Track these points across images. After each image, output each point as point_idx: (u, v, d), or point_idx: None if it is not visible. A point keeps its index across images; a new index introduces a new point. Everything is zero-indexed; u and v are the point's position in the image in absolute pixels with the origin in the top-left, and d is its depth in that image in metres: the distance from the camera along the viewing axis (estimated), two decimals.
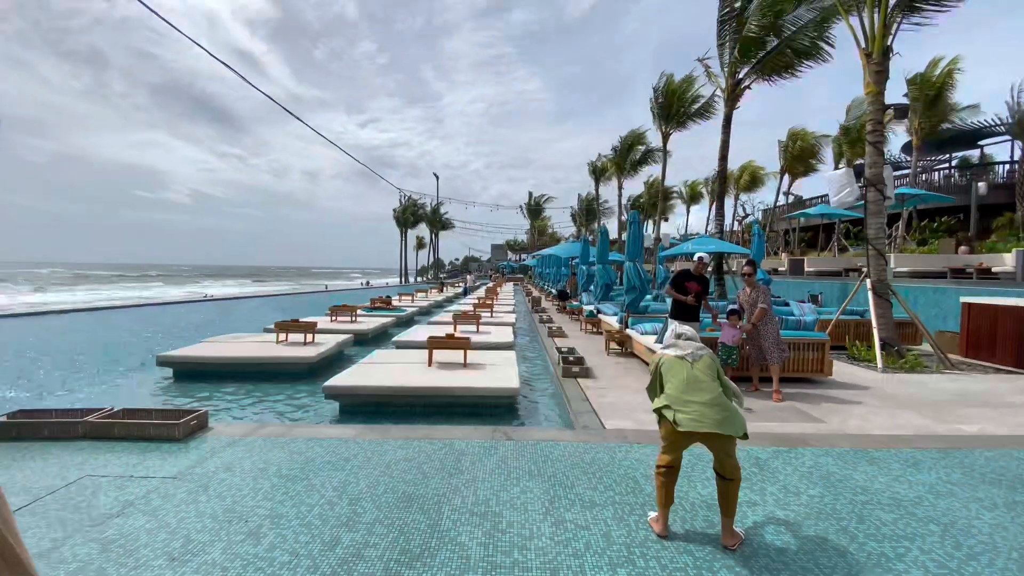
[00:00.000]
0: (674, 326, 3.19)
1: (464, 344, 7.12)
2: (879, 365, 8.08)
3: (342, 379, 6.10)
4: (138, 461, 3.87)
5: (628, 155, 31.28)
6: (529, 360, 9.42)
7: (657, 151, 30.29)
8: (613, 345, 9.12)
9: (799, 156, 32.18)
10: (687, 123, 22.66)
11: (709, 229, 42.54)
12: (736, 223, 40.24)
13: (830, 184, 9.55)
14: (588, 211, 49.00)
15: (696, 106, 21.79)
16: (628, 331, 8.83)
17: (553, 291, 23.61)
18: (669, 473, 2.87)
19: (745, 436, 2.70)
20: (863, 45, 9.32)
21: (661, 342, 7.04)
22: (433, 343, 7.10)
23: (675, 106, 21.36)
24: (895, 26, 9.08)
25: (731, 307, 6.66)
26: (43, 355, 9.38)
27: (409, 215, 53.33)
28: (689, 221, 51.30)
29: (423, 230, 58.43)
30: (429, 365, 7.02)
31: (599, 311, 11.94)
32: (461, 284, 38.52)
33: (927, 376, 7.63)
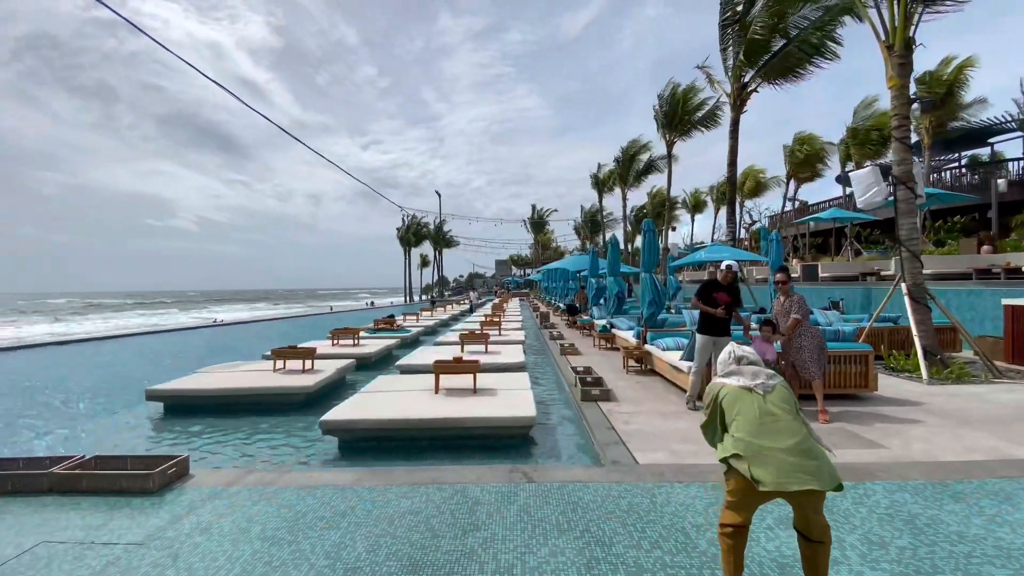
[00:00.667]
0: (731, 348, 2.64)
1: (473, 368, 6.58)
2: (924, 376, 7.47)
3: (341, 412, 5.56)
4: (104, 521, 3.34)
5: (631, 165, 30.92)
6: (542, 381, 8.85)
7: (661, 160, 29.98)
8: (631, 362, 8.55)
9: (805, 161, 31.73)
10: (691, 131, 22.33)
11: (717, 236, 41.98)
12: (743, 230, 39.69)
13: (856, 184, 9.02)
14: (592, 223, 48.64)
15: (700, 114, 21.48)
16: (647, 347, 8.26)
17: (561, 306, 23.07)
18: (738, 535, 2.30)
19: (840, 487, 2.14)
20: (883, 38, 8.89)
21: (690, 359, 6.48)
22: (440, 368, 6.57)
23: (679, 114, 21.03)
24: (916, 16, 8.65)
25: (765, 317, 6.11)
26: (37, 389, 8.90)
27: (412, 234, 53.14)
28: (694, 230, 50.68)
29: (427, 248, 58.27)
30: (436, 392, 6.48)
31: (612, 326, 11.38)
32: (466, 301, 37.18)
33: (978, 387, 7.02)
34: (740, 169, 42.18)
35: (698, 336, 5.89)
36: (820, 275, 22.32)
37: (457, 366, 6.61)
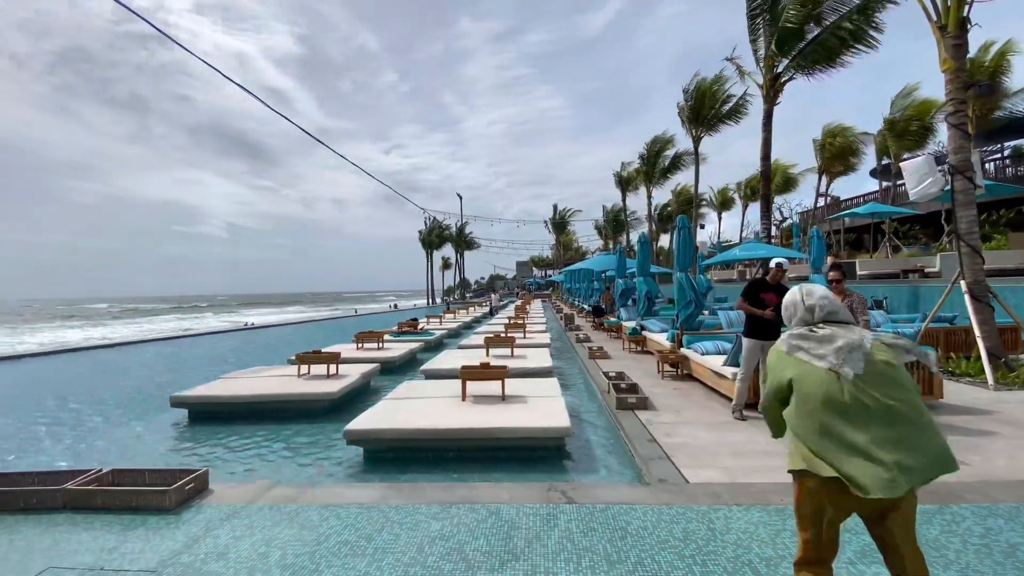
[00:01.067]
0: (797, 295, 2.04)
1: (501, 374, 6.26)
2: (989, 381, 6.86)
3: (365, 421, 5.31)
4: (117, 543, 3.13)
5: (656, 162, 30.20)
6: (571, 387, 8.48)
7: (687, 156, 29.24)
8: (667, 367, 8.11)
9: (839, 154, 30.54)
10: (718, 125, 21.66)
11: (746, 234, 40.81)
12: (774, 227, 38.53)
13: (908, 175, 8.42)
14: (615, 223, 47.91)
15: (727, 107, 20.80)
16: (684, 351, 7.83)
17: (586, 307, 22.61)
18: (822, 571, 1.92)
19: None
20: (935, 18, 8.28)
21: (735, 364, 6.04)
22: (467, 374, 6.28)
23: (706, 108, 20.38)
24: None
25: None
26: (69, 395, 8.94)
27: (435, 237, 53.25)
28: (721, 228, 49.51)
29: (449, 251, 58.34)
30: (463, 399, 6.18)
31: (643, 328, 10.94)
32: (487, 304, 34.95)
33: None
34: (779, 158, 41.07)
35: (744, 340, 5.46)
36: (858, 273, 21.36)
37: (484, 372, 6.31)
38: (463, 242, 54.97)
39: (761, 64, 14.99)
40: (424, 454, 5.21)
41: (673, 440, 4.87)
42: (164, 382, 9.94)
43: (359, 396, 8.22)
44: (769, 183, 15.13)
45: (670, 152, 30.15)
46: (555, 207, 56.98)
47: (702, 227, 39.67)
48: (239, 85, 10.89)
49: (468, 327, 21.11)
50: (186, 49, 9.75)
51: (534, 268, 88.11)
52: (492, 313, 28.13)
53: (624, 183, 37.88)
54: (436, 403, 6.07)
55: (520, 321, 15.36)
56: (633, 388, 6.70)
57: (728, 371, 6.10)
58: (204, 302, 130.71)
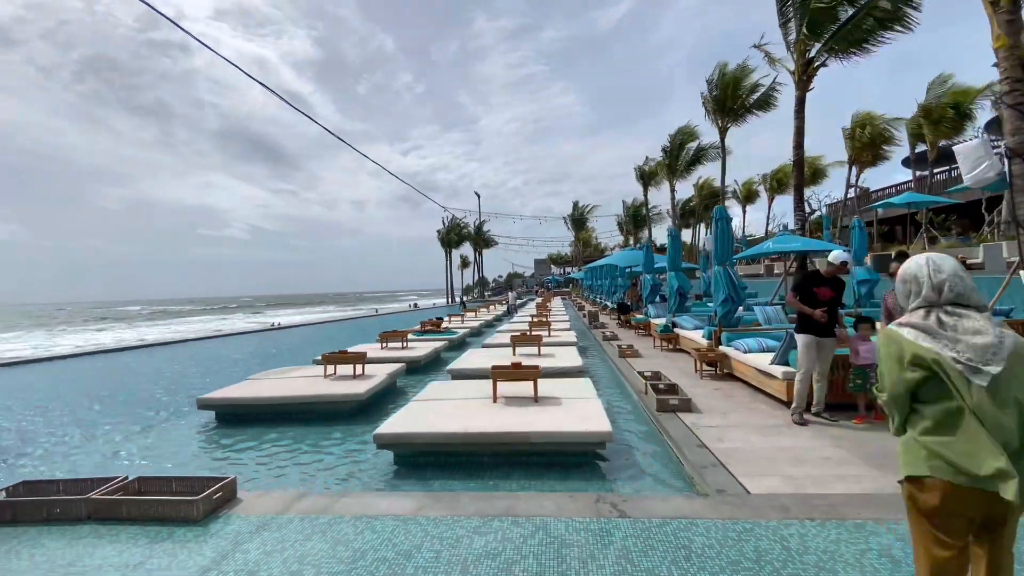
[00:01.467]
0: (924, 266, 1.71)
1: (533, 374, 5.99)
2: None
3: (395, 424, 5.09)
4: (142, 558, 2.95)
5: (679, 155, 29.50)
6: (603, 387, 8.16)
7: (711, 148, 28.50)
8: (705, 366, 7.73)
9: (869, 143, 29.43)
10: (745, 115, 20.99)
11: (772, 228, 39.75)
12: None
13: (962, 159, 7.83)
14: (635, 218, 47.18)
15: (755, 96, 20.14)
16: (724, 349, 7.45)
17: (609, 304, 22.19)
18: None
19: None
20: None
21: (785, 363, 5.67)
22: (498, 374, 6.02)
23: (731, 98, 19.76)
24: None
25: (859, 313, 5.25)
26: (96, 397, 8.97)
27: (453, 235, 53.22)
28: (746, 221, 48.38)
29: (467, 249, 58.29)
30: (494, 400, 5.93)
31: (675, 325, 10.55)
32: (504, 303, 32.70)
33: None
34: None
35: (799, 336, 5.07)
36: (868, 266, 20.54)
37: (516, 372, 6.04)
38: (481, 240, 54.83)
39: (792, 49, 14.40)
40: (456, 458, 4.97)
41: (724, 445, 4.54)
42: (193, 383, 9.93)
43: (386, 396, 8.05)
44: (802, 173, 14.52)
45: (693, 144, 29.40)
46: (575, 204, 56.41)
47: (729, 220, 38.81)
48: (264, 86, 10.82)
49: (489, 325, 20.89)
50: (209, 47, 9.68)
51: (552, 266, 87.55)
52: (510, 312, 27.66)
53: (646, 178, 37.20)
54: (466, 404, 5.83)
55: (544, 319, 15.06)
56: (673, 388, 6.36)
57: (777, 370, 5.72)
58: (232, 303, 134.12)
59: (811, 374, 4.99)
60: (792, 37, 14.08)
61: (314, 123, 12.54)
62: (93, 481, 3.82)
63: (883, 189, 37.47)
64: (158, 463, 5.42)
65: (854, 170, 32.92)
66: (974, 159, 7.80)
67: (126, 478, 3.84)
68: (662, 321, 11.83)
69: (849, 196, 33.12)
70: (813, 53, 14.00)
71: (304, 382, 7.73)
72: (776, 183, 42.71)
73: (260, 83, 10.71)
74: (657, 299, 14.07)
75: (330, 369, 8.25)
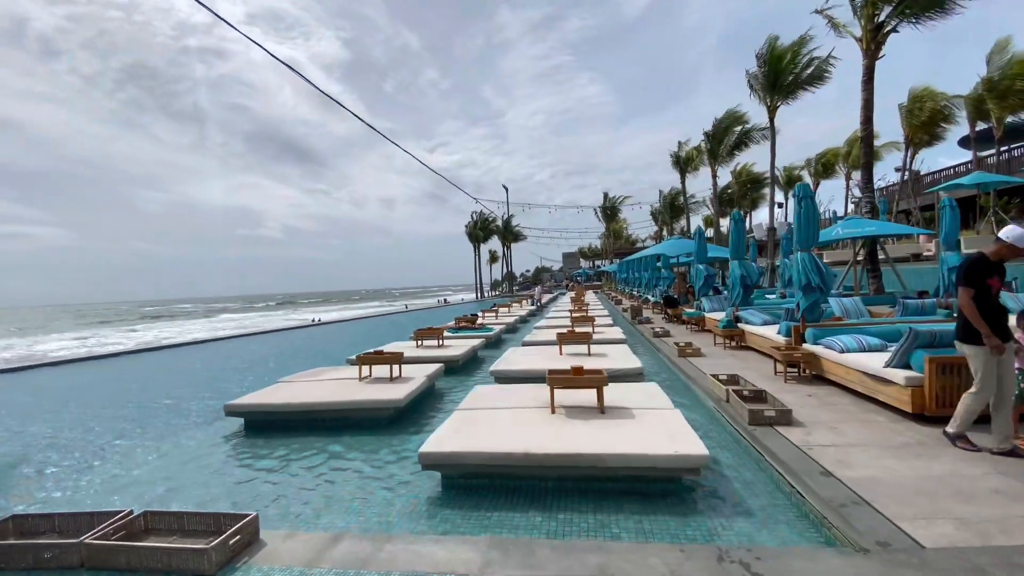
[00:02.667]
0: None
1: (598, 380, 5.15)
2: None
3: (443, 441, 4.36)
4: None
5: (724, 139, 27.92)
6: (668, 393, 7.26)
7: (755, 131, 26.86)
8: (789, 368, 6.73)
9: (928, 121, 27.20)
10: (796, 92, 19.49)
11: (835, 211, 37.58)
12: (852, 205, 35.28)
13: None
14: (672, 207, 45.44)
15: (809, 71, 18.63)
16: (812, 348, 6.45)
17: (650, 297, 21.10)
18: None
19: None
20: None
21: (903, 366, 4.68)
22: (556, 380, 5.21)
23: (784, 73, 18.30)
24: None
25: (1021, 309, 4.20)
26: (122, 401, 8.61)
27: (479, 229, 52.60)
28: (788, 208, 46.07)
29: (495, 244, 57.61)
30: (552, 412, 5.13)
31: (739, 320, 9.53)
32: (530, 298, 30.57)
33: None
34: (843, 137, 37.62)
35: (971, 348, 3.86)
36: (962, 251, 18.78)
37: (578, 379, 5.22)
38: (510, 234, 54.04)
39: (859, 14, 13.02)
40: (514, 481, 4.20)
41: (855, 473, 3.62)
42: (227, 385, 9.49)
43: (425, 401, 7.37)
44: (871, 149, 13.15)
45: (737, 128, 27.73)
46: (605, 194, 54.93)
47: (780, 205, 36.71)
48: (311, 83, 10.26)
49: (524, 321, 20.14)
50: (268, 52, 9.13)
51: (582, 259, 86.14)
52: (538, 307, 26.33)
53: (682, 164, 35.59)
54: (519, 417, 5.05)
55: (585, 313, 14.18)
56: (761, 396, 5.45)
57: (898, 375, 4.73)
58: (272, 300, 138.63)
59: (992, 390, 3.84)
60: (860, 0, 12.72)
61: (355, 120, 11.96)
62: (93, 516, 3.21)
63: (938, 172, 34.90)
64: (175, 483, 4.82)
65: (909, 151, 30.67)
66: None
67: (131, 513, 3.21)
68: (722, 315, 10.80)
69: (905, 178, 30.85)
70: (884, 16, 12.61)
71: (337, 386, 7.11)
72: (822, 167, 40.41)
73: (314, 85, 10.15)
74: (711, 292, 13.00)
75: (365, 371, 7.61)
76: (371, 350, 8.58)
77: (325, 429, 6.17)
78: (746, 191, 44.28)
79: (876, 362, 5.26)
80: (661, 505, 3.81)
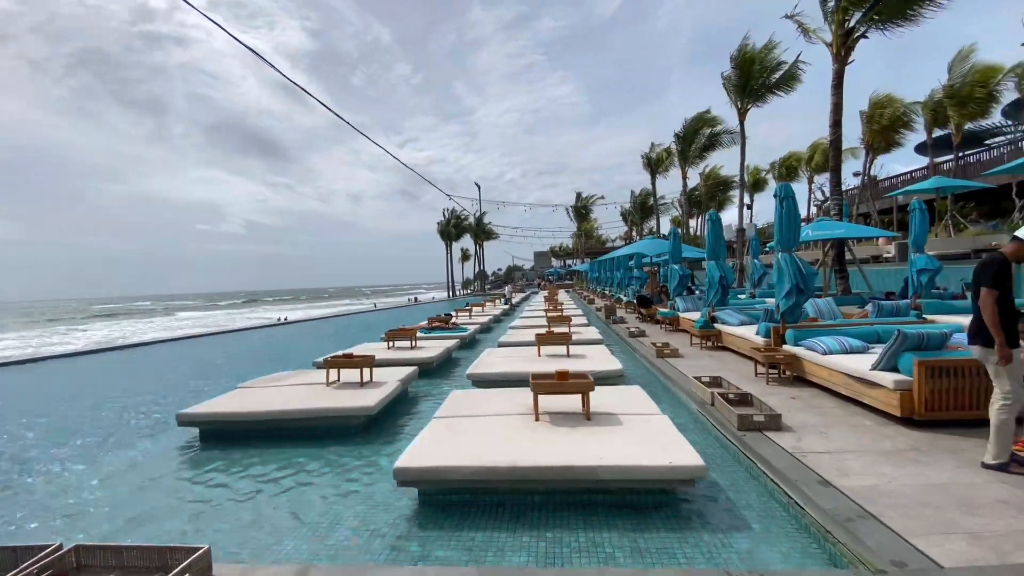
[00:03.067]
0: None
1: (584, 385, 4.92)
2: None
3: (420, 454, 4.03)
4: None
5: (694, 140, 28.29)
6: (651, 395, 7.10)
7: (725, 133, 27.34)
8: (770, 370, 6.66)
9: (888, 127, 28.28)
10: (766, 96, 19.84)
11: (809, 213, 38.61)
12: (814, 208, 36.42)
13: None
14: (643, 208, 45.96)
15: (778, 75, 18.98)
16: (793, 349, 6.40)
17: (623, 297, 21.14)
18: None
19: None
20: None
21: (891, 368, 4.63)
22: (540, 386, 4.95)
23: (755, 77, 18.59)
24: None
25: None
26: (52, 410, 7.88)
27: (452, 227, 52.00)
28: (754, 211, 47.31)
29: (467, 242, 57.07)
30: (536, 419, 4.88)
31: (716, 320, 9.51)
32: (502, 297, 29.93)
33: None
34: (805, 142, 38.80)
35: (988, 351, 3.57)
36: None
37: (563, 384, 4.97)
38: (482, 232, 53.63)
39: (830, 19, 13.26)
40: (499, 497, 3.92)
41: (854, 482, 3.49)
42: (183, 390, 8.85)
43: (398, 407, 7.01)
44: (839, 153, 13.44)
45: (707, 131, 28.16)
46: (578, 194, 55.15)
47: (749, 207, 37.46)
48: (281, 73, 9.65)
49: (498, 320, 19.87)
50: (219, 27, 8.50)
51: (553, 258, 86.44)
52: (508, 304, 26.34)
53: (653, 166, 35.99)
54: (501, 424, 4.77)
55: (561, 313, 14.02)
56: (747, 399, 5.33)
57: (886, 378, 4.66)
58: (237, 298, 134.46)
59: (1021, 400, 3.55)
60: (831, 5, 12.95)
61: (321, 113, 11.39)
62: (15, 552, 2.75)
63: (895, 177, 36.38)
64: (116, 507, 4.31)
65: (868, 156, 31.84)
66: None
67: (60, 547, 2.77)
68: (696, 315, 10.79)
69: (857, 185, 32.04)
70: (854, 22, 12.88)
71: (303, 392, 6.66)
72: (785, 170, 41.59)
73: (284, 75, 9.54)
74: (684, 292, 13.02)
75: (332, 375, 7.18)
76: (339, 352, 8.13)
77: (289, 440, 5.75)
78: (714, 193, 45.24)
79: (861, 364, 5.22)
80: (655, 519, 3.61)
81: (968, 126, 25.35)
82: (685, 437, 4.21)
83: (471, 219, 52.65)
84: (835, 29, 13.08)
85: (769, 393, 6.01)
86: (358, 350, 9.95)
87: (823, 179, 36.04)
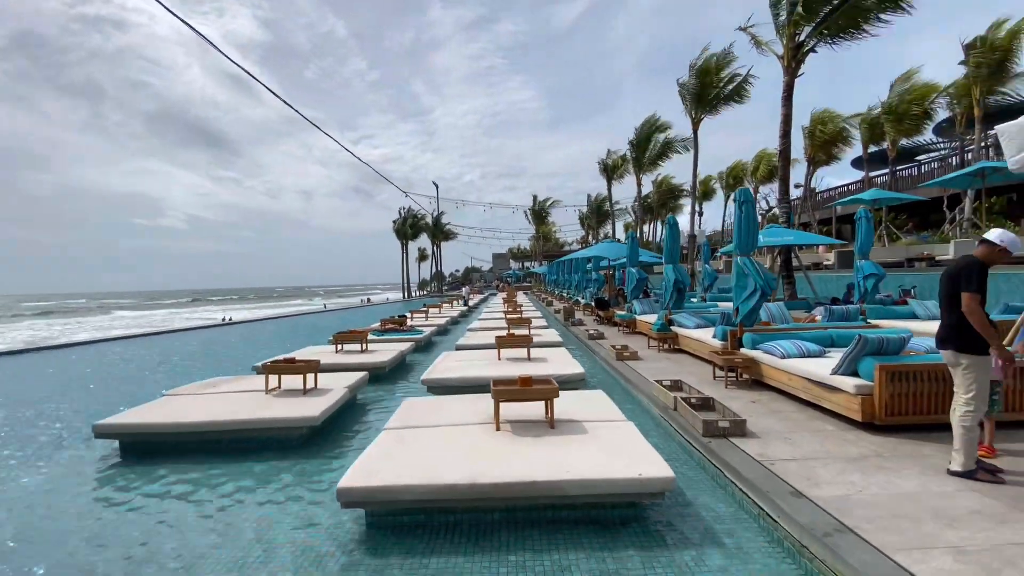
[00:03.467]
0: None
1: (549, 393, 4.64)
2: None
3: (367, 472, 3.63)
4: None
5: (647, 147, 28.82)
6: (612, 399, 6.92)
7: (677, 142, 28.02)
8: (728, 373, 6.62)
9: (828, 141, 29.86)
10: (719, 107, 20.44)
11: (729, 225, 40.16)
12: (759, 216, 37.98)
13: (1007, 140, 7.14)
14: (599, 212, 46.60)
15: (730, 87, 19.57)
16: (751, 353, 6.38)
17: (581, 299, 21.17)
18: None
19: None
20: None
21: (851, 373, 4.62)
22: (502, 392, 4.62)
23: (709, 88, 19.07)
24: None
25: None
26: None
27: (409, 226, 50.92)
28: (704, 218, 49.00)
29: (425, 241, 56.05)
30: (497, 428, 4.56)
31: (672, 323, 9.51)
32: (460, 299, 29.60)
33: None
34: (751, 153, 40.42)
35: (971, 358, 3.48)
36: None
37: (526, 391, 4.68)
38: (440, 232, 52.83)
39: (781, 32, 13.70)
40: (455, 516, 3.57)
41: (825, 492, 3.37)
42: (106, 397, 7.95)
43: (346, 417, 6.52)
44: (788, 163, 13.90)
45: (661, 137, 28.78)
46: (535, 197, 55.35)
47: (700, 214, 38.54)
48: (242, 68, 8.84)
49: (455, 322, 19.43)
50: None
51: (511, 260, 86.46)
52: (466, 305, 26.20)
53: (609, 172, 36.50)
54: (459, 435, 4.42)
55: (520, 315, 13.77)
56: (709, 404, 5.22)
57: (847, 382, 4.64)
58: (182, 296, 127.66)
59: (984, 406, 3.53)
60: (783, 18, 13.37)
61: (271, 105, 10.63)
62: None
63: (833, 189, 38.52)
64: (16, 534, 3.67)
65: (809, 168, 33.52)
66: (1020, 140, 7.11)
67: None
68: (653, 318, 10.80)
69: (798, 196, 33.69)
70: (804, 36, 13.35)
71: (238, 400, 6.06)
72: (732, 180, 43.23)
73: (238, 64, 8.74)
74: (640, 294, 13.06)
75: (273, 381, 6.58)
76: (281, 357, 7.52)
77: (221, 455, 5.17)
78: (665, 200, 46.47)
79: (819, 368, 5.22)
80: (623, 536, 3.37)
81: (902, 142, 27.04)
82: (651, 444, 4.01)
83: (428, 219, 51.76)
84: (786, 42, 13.51)
85: (729, 397, 5.94)
86: (303, 354, 9.32)
87: (767, 189, 37.64)
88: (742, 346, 6.76)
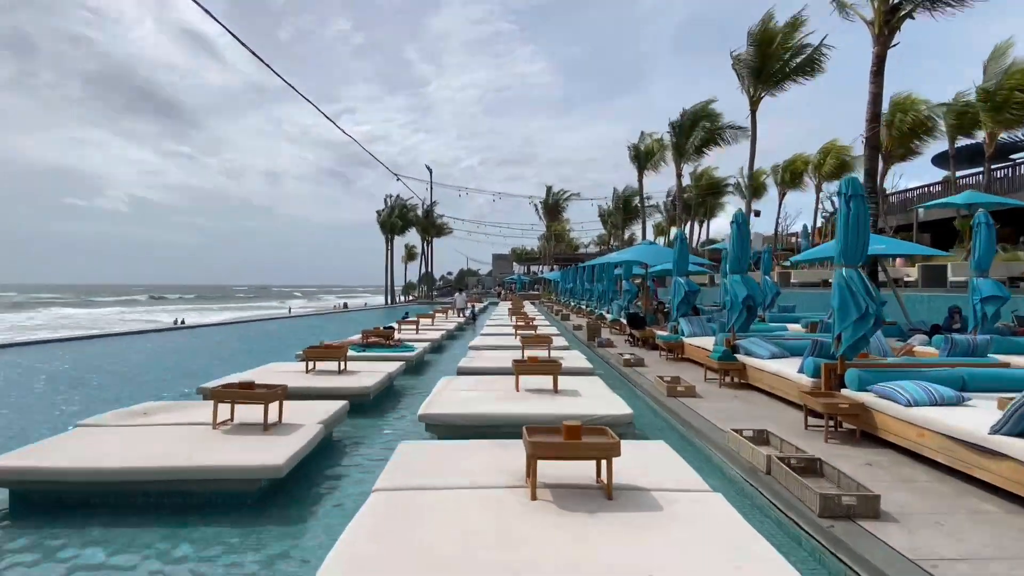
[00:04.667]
0: None
1: (606, 450, 3.96)
2: None
3: (364, 563, 2.97)
4: None
5: (691, 134, 28.28)
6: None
7: (728, 128, 27.50)
8: (819, 420, 5.95)
9: (910, 133, 29.16)
10: (785, 82, 19.89)
11: (805, 226, 39.48)
12: (821, 219, 37.37)
13: None
14: (626, 209, 45.95)
15: (799, 58, 19.04)
16: (858, 396, 5.73)
17: (606, 314, 20.48)
18: None
19: None
20: None
21: (1016, 432, 3.97)
22: (539, 446, 3.95)
23: (773, 60, 18.54)
24: None
25: None
26: None
27: (397, 218, 50.35)
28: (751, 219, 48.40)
29: (414, 237, 55.45)
30: (533, 498, 3.89)
31: (737, 350, 8.86)
32: (451, 310, 26.88)
33: None
34: (817, 144, 39.86)
35: None
36: (950, 279, 19.93)
37: (576, 446, 4.01)
38: (432, 226, 52.29)
39: None
40: None
41: None
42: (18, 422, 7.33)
43: (319, 462, 5.85)
44: (876, 153, 13.36)
45: (707, 124, 28.21)
46: (548, 188, 54.78)
47: (756, 214, 37.86)
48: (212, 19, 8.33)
49: (451, 336, 18.84)
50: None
51: (515, 263, 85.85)
52: (463, 316, 25.38)
53: (641, 159, 35.87)
54: (479, 506, 3.77)
55: (535, 332, 13.13)
56: (815, 467, 4.59)
57: (1019, 447, 3.97)
58: (138, 292, 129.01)
59: None
60: None
61: (235, 71, 10.12)
62: None
63: (908, 191, 37.89)
64: None
65: (883, 165, 32.89)
66: None
67: None
68: (706, 342, 10.17)
69: (885, 195, 33.08)
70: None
71: (178, 436, 5.42)
72: (789, 176, 42.66)
73: (211, 14, 8.20)
74: (688, 311, 12.42)
75: (224, 411, 5.92)
76: (235, 378, 6.87)
77: (148, 513, 4.53)
78: (704, 197, 45.92)
79: (965, 423, 4.56)
80: None
81: (1003, 136, 26.24)
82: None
83: (419, 209, 51.21)
84: (878, 6, 12.95)
85: (833, 455, 5.27)
86: (264, 373, 8.68)
87: (832, 187, 37.09)
88: (844, 386, 6.11)
